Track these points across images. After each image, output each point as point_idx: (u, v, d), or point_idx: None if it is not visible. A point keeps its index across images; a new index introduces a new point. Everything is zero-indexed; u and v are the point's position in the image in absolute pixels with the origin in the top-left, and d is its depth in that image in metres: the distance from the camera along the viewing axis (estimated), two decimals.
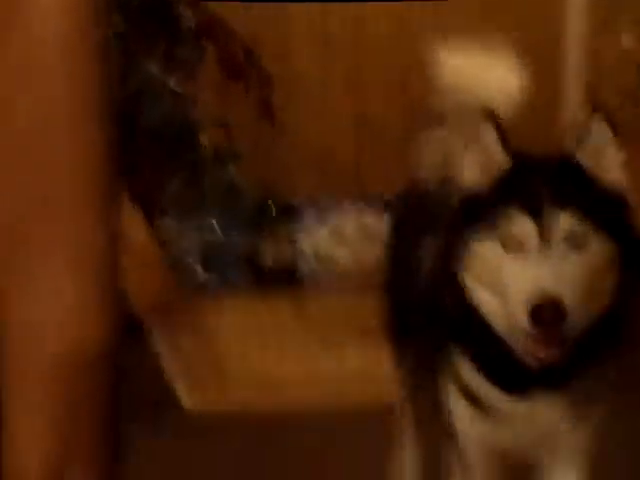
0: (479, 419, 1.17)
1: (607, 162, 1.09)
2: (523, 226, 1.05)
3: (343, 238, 2.98)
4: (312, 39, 3.02)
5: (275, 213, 2.81)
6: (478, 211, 1.10)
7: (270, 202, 2.75)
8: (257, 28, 2.84)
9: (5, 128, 0.52)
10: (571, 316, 1.02)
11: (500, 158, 1.11)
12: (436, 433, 1.33)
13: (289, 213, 2.91)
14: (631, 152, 1.23)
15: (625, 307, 1.14)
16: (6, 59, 0.51)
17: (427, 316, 1.29)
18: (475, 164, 1.15)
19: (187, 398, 2.15)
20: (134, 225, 2.09)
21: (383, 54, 3.01)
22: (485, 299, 1.12)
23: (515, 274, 1.06)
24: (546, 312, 0.99)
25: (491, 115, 1.16)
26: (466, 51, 1.40)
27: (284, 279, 2.83)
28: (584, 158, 1.08)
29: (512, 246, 1.06)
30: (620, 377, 1.19)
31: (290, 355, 2.41)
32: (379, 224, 2.63)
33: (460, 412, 1.19)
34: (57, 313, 0.52)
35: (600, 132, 1.09)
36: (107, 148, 0.55)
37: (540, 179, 1.08)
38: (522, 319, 1.01)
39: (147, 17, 2.39)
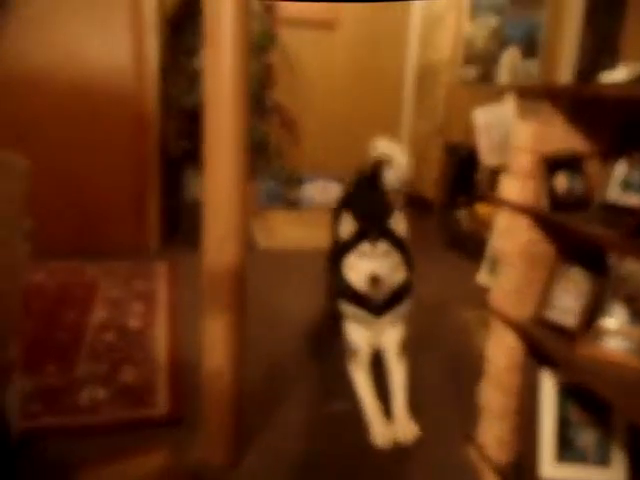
0: (361, 329, 1.72)
1: (399, 227, 1.70)
2: (366, 248, 1.66)
3: (318, 190, 4.59)
4: None
5: (294, 178, 4.49)
6: (349, 245, 1.70)
7: (293, 174, 4.46)
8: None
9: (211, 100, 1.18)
10: (383, 282, 1.64)
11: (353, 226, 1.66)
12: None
13: (299, 179, 4.56)
14: None
15: (408, 282, 1.76)
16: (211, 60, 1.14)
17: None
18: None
19: (262, 243, 3.74)
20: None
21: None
22: (352, 277, 1.71)
23: (363, 266, 1.66)
24: (373, 279, 1.63)
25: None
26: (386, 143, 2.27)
27: (295, 204, 4.53)
28: (391, 224, 1.71)
29: (361, 256, 1.69)
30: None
31: (296, 229, 4.08)
32: (335, 187, 4.26)
33: (352, 328, 1.74)
34: None
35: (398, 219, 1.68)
36: (245, 110, 1.16)
37: (374, 230, 1.68)
38: (366, 283, 1.63)
39: None
